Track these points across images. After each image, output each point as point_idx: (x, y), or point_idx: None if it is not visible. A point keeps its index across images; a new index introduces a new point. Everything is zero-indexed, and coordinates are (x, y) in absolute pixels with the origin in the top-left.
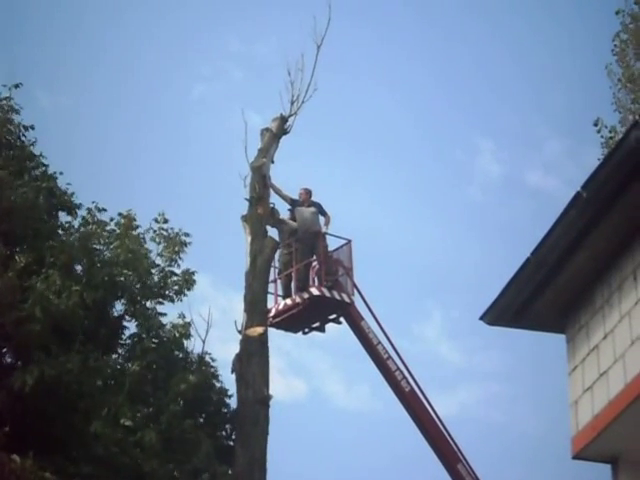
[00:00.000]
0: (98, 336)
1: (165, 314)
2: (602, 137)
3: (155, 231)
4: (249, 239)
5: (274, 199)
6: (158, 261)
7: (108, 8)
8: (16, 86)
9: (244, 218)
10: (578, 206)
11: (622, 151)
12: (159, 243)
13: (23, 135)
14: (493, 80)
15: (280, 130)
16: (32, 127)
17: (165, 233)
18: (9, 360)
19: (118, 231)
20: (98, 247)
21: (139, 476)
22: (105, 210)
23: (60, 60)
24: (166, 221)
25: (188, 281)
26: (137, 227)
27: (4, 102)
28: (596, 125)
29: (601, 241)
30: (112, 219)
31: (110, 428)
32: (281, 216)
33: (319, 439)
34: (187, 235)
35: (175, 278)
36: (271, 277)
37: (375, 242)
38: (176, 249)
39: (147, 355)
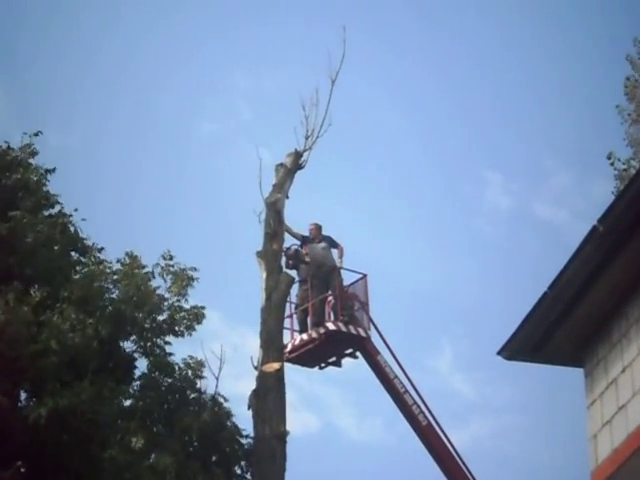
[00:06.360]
0: (110, 371)
1: (173, 354)
2: (616, 170)
3: (163, 267)
4: (264, 275)
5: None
6: (167, 297)
7: (118, 46)
8: (36, 134)
9: (259, 254)
10: (594, 240)
11: (638, 185)
12: (167, 279)
13: (45, 179)
14: (502, 113)
15: (295, 165)
16: (53, 170)
17: (172, 269)
18: (24, 394)
19: (123, 270)
20: (105, 285)
21: None
22: (103, 249)
23: (71, 100)
24: (172, 257)
25: (198, 315)
26: (143, 266)
27: (25, 148)
28: (609, 158)
29: (618, 275)
30: (118, 260)
31: (123, 453)
32: (306, 259)
33: (333, 473)
34: (194, 270)
35: (184, 313)
36: (287, 312)
37: (384, 276)
38: (184, 284)
39: (159, 395)
